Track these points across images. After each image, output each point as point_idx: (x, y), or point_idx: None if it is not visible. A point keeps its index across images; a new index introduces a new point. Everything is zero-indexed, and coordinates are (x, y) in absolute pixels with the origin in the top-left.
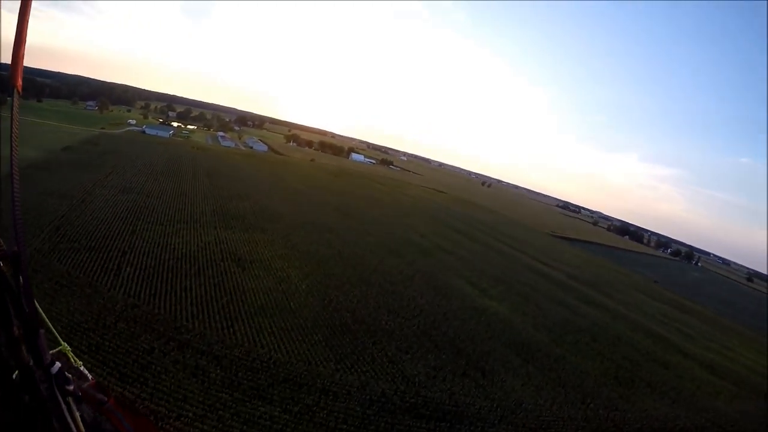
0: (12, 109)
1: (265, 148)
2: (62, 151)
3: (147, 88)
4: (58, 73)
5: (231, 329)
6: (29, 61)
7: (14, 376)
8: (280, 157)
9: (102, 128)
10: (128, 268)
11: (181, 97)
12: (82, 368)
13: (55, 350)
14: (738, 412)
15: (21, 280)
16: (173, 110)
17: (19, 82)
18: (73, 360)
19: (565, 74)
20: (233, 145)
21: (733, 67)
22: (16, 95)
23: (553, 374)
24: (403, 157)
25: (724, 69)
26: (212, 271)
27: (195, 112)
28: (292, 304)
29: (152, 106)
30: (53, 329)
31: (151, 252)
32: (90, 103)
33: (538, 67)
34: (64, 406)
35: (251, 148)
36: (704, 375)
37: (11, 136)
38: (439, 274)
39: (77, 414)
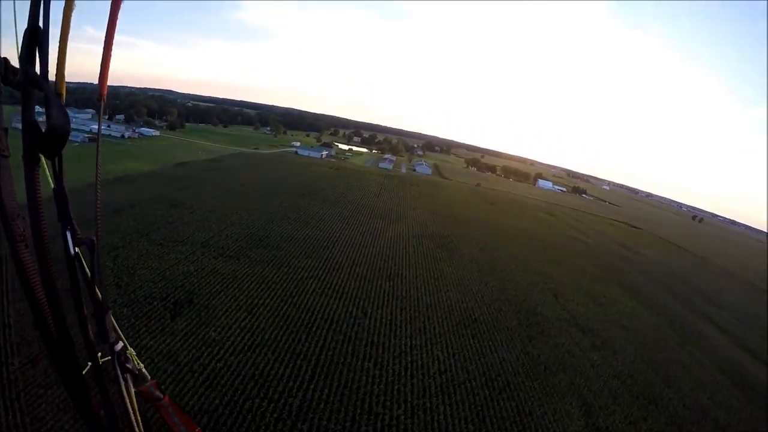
0: (99, 117)
1: (428, 171)
2: (175, 166)
3: (352, 118)
4: (266, 105)
5: None
6: (237, 95)
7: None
8: (438, 180)
9: (255, 148)
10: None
11: (383, 126)
12: (143, 369)
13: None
14: None
15: (95, 266)
16: (359, 135)
17: (104, 92)
18: (136, 362)
19: None
20: (390, 167)
21: None
22: (102, 105)
23: None
24: (605, 187)
25: None
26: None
27: (380, 138)
28: None
29: (341, 133)
30: (121, 335)
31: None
32: (267, 128)
33: None
34: (122, 380)
35: (414, 170)
36: None
37: (98, 139)
38: (544, 399)
39: (132, 389)
